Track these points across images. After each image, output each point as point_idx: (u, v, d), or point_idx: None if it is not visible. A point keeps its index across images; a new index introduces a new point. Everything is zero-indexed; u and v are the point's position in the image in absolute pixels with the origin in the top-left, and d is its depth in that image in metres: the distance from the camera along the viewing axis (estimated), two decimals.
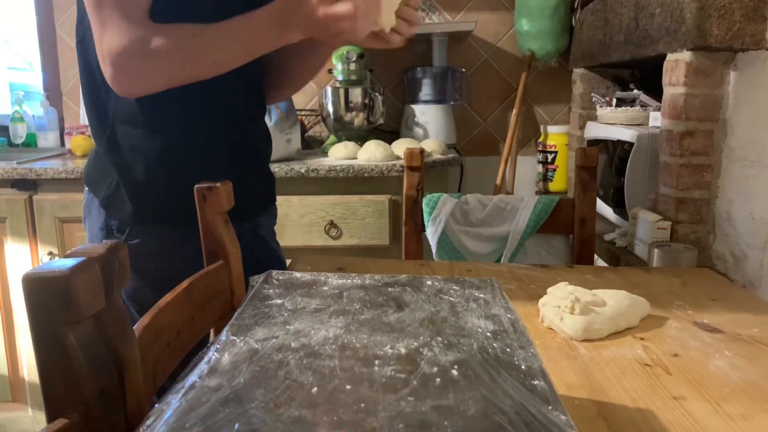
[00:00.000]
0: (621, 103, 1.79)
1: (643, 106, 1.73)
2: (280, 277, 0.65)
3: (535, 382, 0.42)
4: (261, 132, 1.11)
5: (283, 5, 0.84)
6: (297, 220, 1.82)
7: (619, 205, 1.61)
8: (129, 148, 0.95)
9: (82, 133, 2.25)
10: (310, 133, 2.39)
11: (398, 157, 1.90)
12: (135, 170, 0.96)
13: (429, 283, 0.63)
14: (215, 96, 0.97)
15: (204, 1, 0.92)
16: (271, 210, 1.16)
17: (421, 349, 0.47)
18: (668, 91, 1.33)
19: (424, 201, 1.43)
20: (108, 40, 0.83)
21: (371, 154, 1.86)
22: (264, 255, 1.13)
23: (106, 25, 0.83)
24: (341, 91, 2.09)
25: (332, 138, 2.17)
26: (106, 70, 0.84)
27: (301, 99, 2.38)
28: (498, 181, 2.23)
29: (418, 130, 2.22)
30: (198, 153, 0.98)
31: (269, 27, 0.85)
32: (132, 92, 0.88)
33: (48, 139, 2.40)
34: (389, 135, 2.26)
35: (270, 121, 1.84)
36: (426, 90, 2.27)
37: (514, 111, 2.27)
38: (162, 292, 0.73)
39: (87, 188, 1.03)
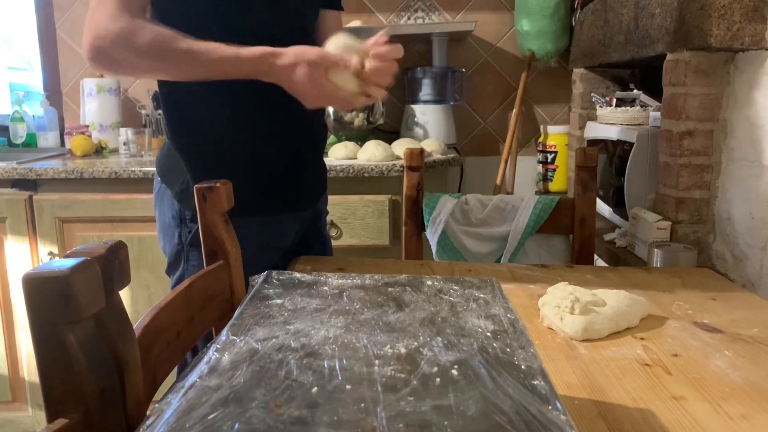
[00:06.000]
0: (621, 103, 1.79)
1: (643, 106, 1.73)
2: (280, 277, 0.65)
3: (535, 382, 0.42)
4: (320, 126, 1.19)
5: (264, 62, 0.90)
6: None
7: (619, 205, 1.61)
8: (201, 148, 1.04)
9: (82, 133, 2.25)
10: None
11: (398, 157, 1.90)
12: (208, 167, 1.03)
13: (429, 283, 0.63)
14: (282, 98, 1.00)
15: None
16: (324, 197, 1.24)
17: (421, 349, 0.47)
18: (668, 91, 1.33)
19: (424, 201, 1.43)
20: (98, 20, 0.89)
21: (371, 154, 1.86)
22: (320, 245, 1.25)
23: (103, 4, 0.89)
24: None
25: (332, 138, 2.16)
26: (87, 47, 0.90)
27: None
28: (498, 181, 2.23)
29: (418, 130, 2.22)
30: (264, 151, 1.05)
31: (245, 68, 0.91)
32: (105, 72, 0.94)
33: (48, 139, 2.40)
34: (389, 135, 2.26)
35: None
36: (426, 90, 2.27)
37: (514, 111, 2.27)
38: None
39: (159, 179, 1.10)
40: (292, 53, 0.90)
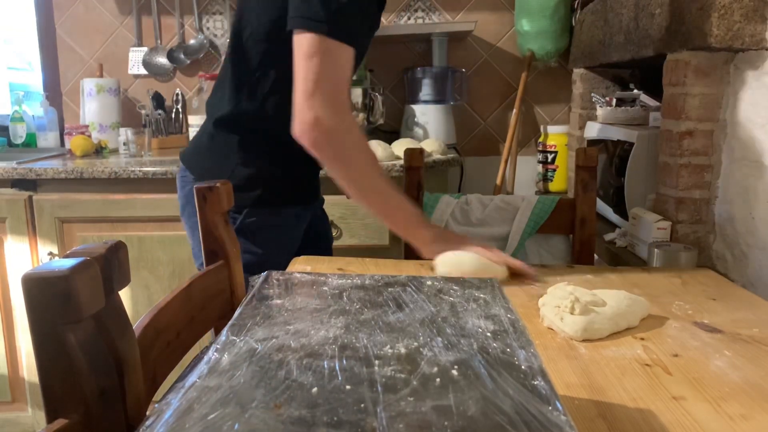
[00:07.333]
0: (621, 103, 1.79)
1: (643, 106, 1.73)
2: (280, 277, 0.65)
3: (535, 382, 0.42)
4: None
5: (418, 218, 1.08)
6: None
7: (619, 205, 1.61)
8: (259, 150, 1.18)
9: (82, 133, 2.25)
10: None
11: (398, 157, 1.90)
12: (251, 161, 1.17)
13: (429, 283, 0.63)
14: None
15: None
16: None
17: (421, 349, 0.47)
18: (668, 91, 1.33)
19: (424, 201, 1.43)
20: (320, 108, 0.97)
21: None
22: (326, 229, 1.44)
23: (321, 89, 0.97)
24: None
25: None
26: (310, 133, 0.99)
27: None
28: (498, 181, 2.23)
29: (418, 130, 2.22)
30: (294, 146, 1.10)
31: (408, 217, 1.07)
32: (317, 150, 1.02)
33: (48, 139, 2.40)
34: (389, 135, 2.26)
35: None
36: (426, 90, 2.27)
37: (514, 111, 2.27)
38: (278, 261, 1.05)
39: (193, 177, 1.21)
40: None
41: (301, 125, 0.99)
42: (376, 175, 1.05)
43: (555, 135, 2.28)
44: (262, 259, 1.16)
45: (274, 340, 0.49)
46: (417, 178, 1.42)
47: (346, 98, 1.02)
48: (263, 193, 1.20)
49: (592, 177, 1.32)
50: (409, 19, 2.40)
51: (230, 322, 0.53)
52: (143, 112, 2.37)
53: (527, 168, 2.40)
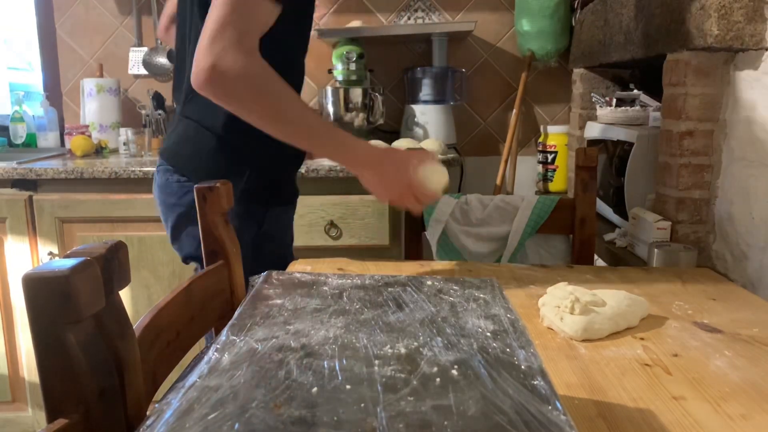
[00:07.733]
0: (621, 103, 1.79)
1: (643, 106, 1.73)
2: (280, 277, 0.65)
3: (535, 382, 0.42)
4: None
5: (373, 154, 1.07)
6: (297, 220, 1.80)
7: (619, 205, 1.61)
8: (262, 147, 1.11)
9: (82, 133, 2.25)
10: None
11: None
12: (264, 163, 1.16)
13: (429, 283, 0.63)
14: None
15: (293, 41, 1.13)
16: None
17: (421, 349, 0.47)
18: (668, 91, 1.33)
19: None
20: (220, 54, 0.90)
21: None
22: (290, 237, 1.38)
23: (224, 36, 0.90)
24: (341, 92, 2.09)
25: None
26: (204, 78, 0.90)
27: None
28: (498, 181, 2.23)
29: (418, 130, 2.22)
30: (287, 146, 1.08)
31: (346, 148, 1.05)
32: (214, 99, 0.94)
33: (48, 139, 2.40)
34: (389, 135, 2.26)
35: None
36: (426, 90, 2.27)
37: (514, 111, 2.26)
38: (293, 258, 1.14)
39: (193, 183, 1.16)
40: (392, 165, 1.04)
41: (197, 71, 0.90)
42: (290, 108, 0.96)
43: (555, 135, 2.28)
44: (290, 260, 1.17)
45: (274, 340, 0.49)
46: None
47: (254, 47, 0.93)
48: (278, 193, 1.20)
49: (592, 177, 1.32)
50: (409, 19, 2.40)
51: (230, 322, 0.53)
52: (143, 112, 2.37)
53: (527, 168, 2.40)
